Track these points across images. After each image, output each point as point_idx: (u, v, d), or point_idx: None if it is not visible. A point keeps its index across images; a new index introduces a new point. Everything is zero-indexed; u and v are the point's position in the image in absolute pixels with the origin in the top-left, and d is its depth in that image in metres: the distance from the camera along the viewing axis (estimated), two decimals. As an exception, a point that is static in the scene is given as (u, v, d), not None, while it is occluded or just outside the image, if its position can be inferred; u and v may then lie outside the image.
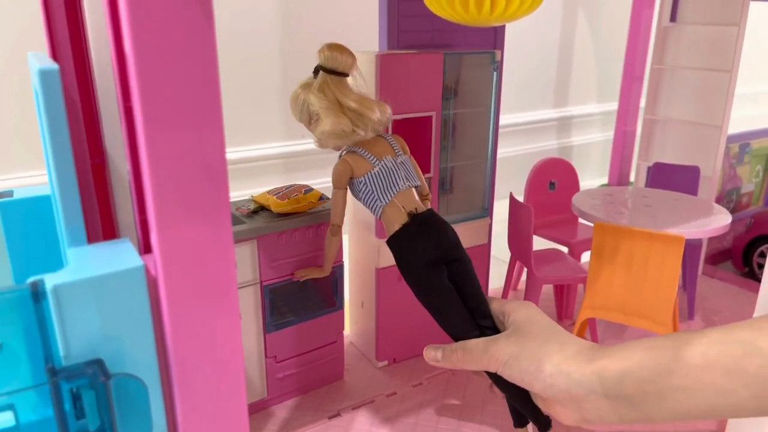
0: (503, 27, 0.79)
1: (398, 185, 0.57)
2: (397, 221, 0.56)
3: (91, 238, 0.39)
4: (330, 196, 0.67)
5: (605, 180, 1.46)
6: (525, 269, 0.95)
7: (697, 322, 0.89)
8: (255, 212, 0.63)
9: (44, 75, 0.30)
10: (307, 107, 0.56)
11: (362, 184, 0.57)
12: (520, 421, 0.57)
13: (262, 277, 0.62)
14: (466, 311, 0.53)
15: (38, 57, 0.37)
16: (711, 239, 1.08)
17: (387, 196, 0.56)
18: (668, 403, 0.37)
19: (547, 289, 0.94)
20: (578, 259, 0.91)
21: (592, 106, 1.88)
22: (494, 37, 0.79)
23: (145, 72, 0.28)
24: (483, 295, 0.55)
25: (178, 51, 0.28)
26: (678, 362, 0.36)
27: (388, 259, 0.73)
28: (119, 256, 0.32)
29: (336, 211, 0.60)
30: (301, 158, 1.39)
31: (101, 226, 0.48)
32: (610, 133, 1.82)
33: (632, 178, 1.31)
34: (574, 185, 1.00)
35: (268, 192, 0.65)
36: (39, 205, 0.44)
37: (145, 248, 0.36)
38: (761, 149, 1.27)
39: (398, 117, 0.67)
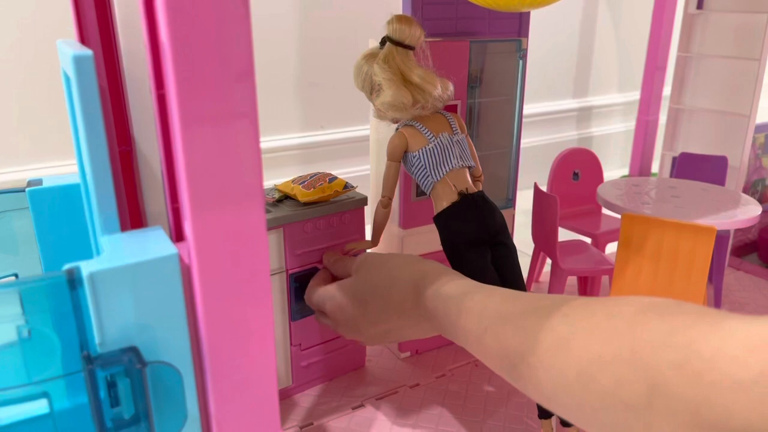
0: (528, 14, 0.77)
1: (451, 163, 0.56)
2: (446, 199, 0.56)
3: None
4: (354, 185, 0.66)
5: (626, 171, 1.44)
6: (547, 261, 0.94)
7: (724, 314, 0.88)
8: (280, 201, 0.63)
9: (78, 61, 0.30)
10: (369, 77, 0.56)
11: (416, 158, 0.57)
12: (545, 412, 0.57)
13: (287, 266, 0.62)
14: None
15: (69, 44, 0.37)
16: (736, 231, 1.06)
17: (439, 172, 0.56)
18: None
19: (570, 281, 0.93)
20: (602, 250, 0.90)
21: (614, 95, 1.86)
22: (519, 25, 0.77)
23: (181, 59, 0.28)
24: (524, 284, 0.56)
25: (214, 38, 0.28)
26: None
27: (411, 249, 0.72)
28: (153, 243, 0.32)
29: (387, 183, 0.60)
30: (319, 149, 1.39)
31: (128, 214, 0.48)
32: (631, 123, 1.80)
33: (654, 168, 1.29)
34: (598, 176, 0.99)
35: (292, 181, 0.65)
36: (68, 193, 0.44)
37: (177, 236, 0.36)
38: (788, 139, 1.24)
39: (423, 106, 0.66)
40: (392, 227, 0.72)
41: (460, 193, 0.56)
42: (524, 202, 0.88)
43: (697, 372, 0.30)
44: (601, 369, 0.34)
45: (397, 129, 0.59)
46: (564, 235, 0.89)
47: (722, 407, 0.28)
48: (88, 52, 0.30)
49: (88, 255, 0.44)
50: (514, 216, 0.81)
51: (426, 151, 0.56)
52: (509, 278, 0.57)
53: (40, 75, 1.05)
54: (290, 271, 0.62)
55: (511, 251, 0.58)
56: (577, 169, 0.98)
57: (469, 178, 0.58)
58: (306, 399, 0.67)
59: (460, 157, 0.57)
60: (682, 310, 0.34)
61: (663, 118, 1.10)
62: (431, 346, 0.78)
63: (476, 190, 0.58)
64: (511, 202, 0.80)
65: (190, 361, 0.32)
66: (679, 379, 0.30)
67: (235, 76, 0.29)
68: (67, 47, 0.34)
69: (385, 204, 0.60)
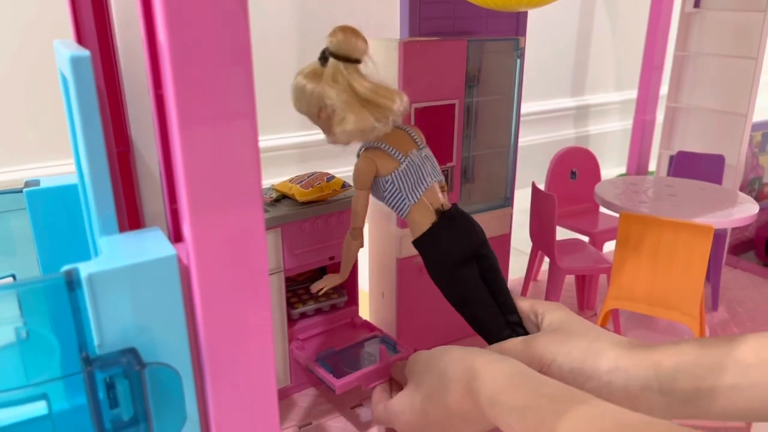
0: (525, 13, 0.77)
1: (425, 181, 0.53)
2: (425, 221, 0.53)
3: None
4: (352, 184, 0.66)
5: (623, 169, 1.44)
6: (545, 260, 0.94)
7: (721, 312, 0.88)
8: (277, 200, 0.63)
9: (76, 61, 0.30)
10: (318, 100, 0.50)
11: (389, 183, 0.53)
12: None
13: (285, 266, 0.62)
14: (497, 309, 0.52)
15: (66, 44, 0.37)
16: (733, 229, 1.06)
17: (415, 194, 0.52)
18: (720, 400, 0.36)
19: (568, 279, 0.93)
20: (600, 249, 0.90)
21: (611, 94, 1.86)
22: (516, 24, 0.77)
23: (180, 59, 0.28)
24: (507, 289, 0.55)
25: (212, 37, 0.28)
26: (731, 359, 0.36)
27: (408, 249, 0.72)
28: (151, 245, 0.32)
29: (358, 213, 0.55)
30: (316, 148, 1.39)
31: (126, 215, 0.48)
32: (628, 122, 1.80)
33: (651, 167, 1.29)
34: (596, 175, 0.99)
35: (290, 180, 0.65)
36: (65, 194, 0.44)
37: (175, 237, 0.35)
38: (785, 138, 1.24)
39: (421, 105, 0.66)
40: (390, 227, 0.72)
41: (437, 211, 0.53)
42: (522, 201, 0.88)
43: None
44: None
45: (358, 154, 0.54)
46: (561, 234, 0.89)
47: None
48: (85, 52, 0.30)
49: (85, 256, 0.44)
50: (512, 215, 0.81)
51: (399, 173, 0.52)
52: (496, 288, 0.55)
53: (40, 75, 1.05)
54: (288, 271, 0.60)
55: (494, 261, 0.55)
56: (575, 167, 0.98)
57: (440, 193, 0.55)
58: (304, 399, 0.67)
59: (433, 173, 0.54)
60: None
61: (660, 117, 1.11)
62: (430, 345, 0.77)
63: (450, 205, 0.54)
64: (509, 201, 0.80)
65: (189, 362, 0.32)
66: None
67: (233, 76, 0.29)
68: (64, 48, 0.34)
69: (356, 236, 0.56)
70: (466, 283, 0.53)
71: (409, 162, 0.53)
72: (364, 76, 0.51)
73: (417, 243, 0.54)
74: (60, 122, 1.08)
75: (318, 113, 0.51)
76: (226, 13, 0.28)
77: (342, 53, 0.49)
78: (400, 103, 0.51)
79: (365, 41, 0.51)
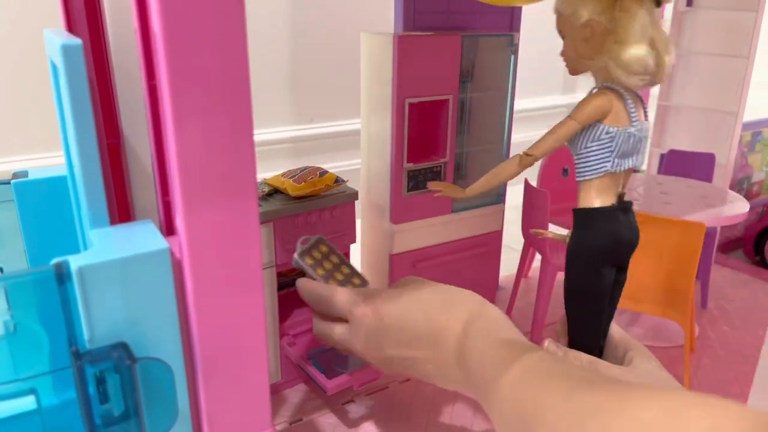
0: (520, 9, 0.77)
1: (635, 159, 0.46)
2: (605, 197, 0.46)
3: (108, 220, 0.38)
4: (345, 179, 0.66)
5: (614, 167, 1.45)
6: (536, 257, 0.94)
7: (711, 310, 0.88)
8: (270, 195, 0.62)
9: (67, 50, 0.29)
10: (608, 8, 0.44)
11: (608, 135, 0.45)
12: None
13: (277, 260, 0.61)
14: (602, 323, 0.47)
15: (57, 33, 0.36)
16: (722, 228, 1.07)
17: (621, 165, 0.45)
18: None
19: (559, 276, 0.93)
20: (591, 246, 0.90)
21: (602, 92, 1.87)
22: (511, 20, 0.77)
23: (174, 50, 0.27)
24: (613, 315, 0.48)
25: (208, 27, 0.27)
26: None
27: (401, 245, 0.72)
28: (143, 238, 0.31)
29: (550, 143, 0.47)
30: (309, 143, 1.38)
31: (117, 208, 0.48)
32: (618, 120, 1.81)
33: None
34: (587, 172, 0.99)
35: (282, 175, 0.64)
36: (54, 186, 0.43)
37: (168, 230, 0.35)
38: (774, 137, 1.25)
39: (415, 100, 0.66)
40: (383, 223, 0.72)
41: (619, 196, 0.46)
42: (514, 198, 0.88)
43: None
44: None
45: (596, 89, 0.47)
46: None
47: None
48: (77, 40, 0.29)
49: (74, 249, 0.43)
50: (504, 212, 0.81)
51: (624, 133, 0.45)
52: (613, 304, 0.48)
53: (27, 65, 1.04)
54: (280, 266, 0.60)
55: (624, 281, 0.49)
56: (567, 165, 0.98)
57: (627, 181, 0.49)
58: (295, 394, 0.67)
59: (641, 155, 0.47)
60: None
61: (651, 115, 1.11)
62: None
63: (628, 200, 0.48)
64: (501, 198, 0.80)
65: (181, 357, 0.32)
66: None
67: (229, 67, 0.29)
68: (55, 36, 0.33)
69: (525, 164, 0.48)
70: (601, 283, 0.46)
71: (637, 129, 0.46)
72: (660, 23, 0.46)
73: (581, 213, 0.46)
74: (44, 114, 1.06)
75: (596, 18, 0.45)
76: (222, 4, 0.27)
77: None
78: (669, 64, 0.46)
79: None
